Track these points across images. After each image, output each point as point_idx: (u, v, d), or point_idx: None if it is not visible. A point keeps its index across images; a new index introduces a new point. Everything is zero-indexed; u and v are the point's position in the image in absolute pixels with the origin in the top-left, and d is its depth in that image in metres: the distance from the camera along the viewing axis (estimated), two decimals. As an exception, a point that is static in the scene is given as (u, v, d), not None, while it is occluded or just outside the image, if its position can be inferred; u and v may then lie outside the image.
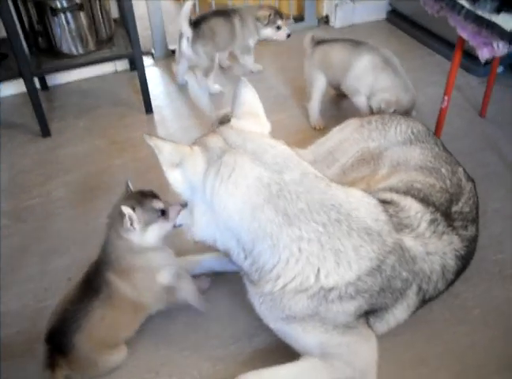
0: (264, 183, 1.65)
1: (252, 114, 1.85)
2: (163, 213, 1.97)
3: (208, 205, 1.71)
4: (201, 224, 1.78)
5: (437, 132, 2.96)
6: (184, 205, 1.91)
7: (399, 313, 1.95)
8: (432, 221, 1.99)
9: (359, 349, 1.87)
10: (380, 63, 3.11)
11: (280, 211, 1.66)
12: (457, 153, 2.49)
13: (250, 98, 1.87)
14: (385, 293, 1.82)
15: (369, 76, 3.12)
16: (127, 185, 2.07)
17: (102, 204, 2.86)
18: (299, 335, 1.83)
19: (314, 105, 3.43)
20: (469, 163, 2.73)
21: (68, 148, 3.39)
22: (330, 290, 1.73)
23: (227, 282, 2.34)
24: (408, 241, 1.89)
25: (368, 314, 1.87)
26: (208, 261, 2.41)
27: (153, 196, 1.99)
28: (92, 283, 1.99)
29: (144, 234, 1.94)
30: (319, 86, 3.38)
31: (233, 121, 1.83)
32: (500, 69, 3.73)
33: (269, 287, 1.76)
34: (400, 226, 1.91)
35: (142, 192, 2.01)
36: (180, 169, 1.74)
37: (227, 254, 1.84)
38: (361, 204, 1.84)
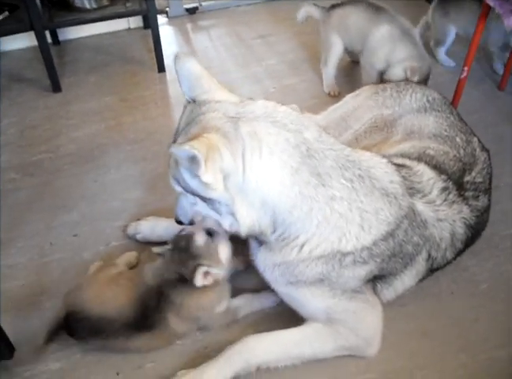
0: (293, 145, 1.57)
1: (216, 84, 1.70)
2: (211, 234, 1.83)
3: (243, 189, 1.56)
4: (244, 215, 1.61)
5: (454, 103, 2.90)
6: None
7: (407, 280, 1.94)
8: (444, 189, 1.97)
9: (365, 316, 1.87)
10: (398, 34, 3.02)
11: (313, 171, 1.60)
12: (473, 126, 2.43)
13: (201, 70, 1.71)
14: (396, 258, 1.82)
15: (385, 46, 3.04)
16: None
17: (111, 161, 2.85)
18: (307, 299, 1.81)
19: (330, 70, 3.36)
20: (484, 137, 2.66)
21: (78, 104, 3.35)
22: (347, 254, 1.71)
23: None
24: (420, 205, 1.87)
25: (376, 280, 1.86)
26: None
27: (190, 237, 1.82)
28: (148, 319, 1.85)
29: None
30: (335, 51, 3.30)
31: (208, 96, 1.64)
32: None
33: (292, 255, 1.72)
34: (412, 190, 1.89)
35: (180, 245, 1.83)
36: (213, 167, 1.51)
37: (250, 235, 1.73)
38: (375, 163, 1.82)
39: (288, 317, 1.92)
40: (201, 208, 1.68)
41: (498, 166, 2.58)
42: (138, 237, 2.36)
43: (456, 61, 3.51)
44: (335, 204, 1.65)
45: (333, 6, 3.28)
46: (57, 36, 3.94)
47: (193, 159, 1.44)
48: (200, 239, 1.72)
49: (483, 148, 2.26)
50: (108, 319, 1.82)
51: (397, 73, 3.02)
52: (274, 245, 1.74)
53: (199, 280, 1.72)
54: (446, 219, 1.92)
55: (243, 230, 1.65)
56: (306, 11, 3.38)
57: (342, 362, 1.88)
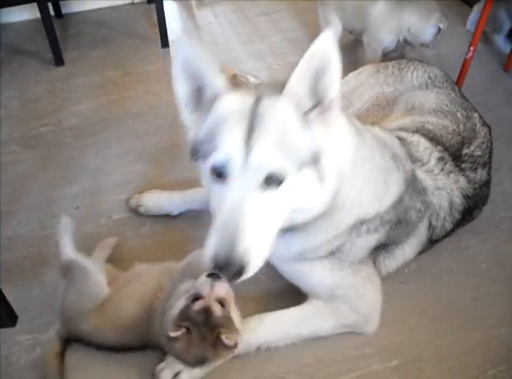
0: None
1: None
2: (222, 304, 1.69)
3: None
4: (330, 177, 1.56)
5: (459, 83, 2.89)
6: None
7: (408, 250, 1.97)
8: (440, 159, 2.00)
9: (366, 293, 1.88)
10: (394, 3, 3.03)
11: (361, 133, 1.69)
12: (477, 107, 2.43)
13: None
14: (402, 225, 1.85)
15: (391, 19, 3.05)
16: None
17: (112, 135, 2.85)
18: (316, 273, 1.81)
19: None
20: (488, 119, 2.65)
21: (81, 77, 3.34)
22: (364, 223, 1.74)
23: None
24: (420, 173, 1.92)
25: (380, 250, 1.88)
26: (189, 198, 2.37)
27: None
28: None
29: None
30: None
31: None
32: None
33: (333, 232, 1.71)
34: (411, 158, 1.93)
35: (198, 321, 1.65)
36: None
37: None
38: (383, 132, 1.89)
39: (288, 295, 1.94)
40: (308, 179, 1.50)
41: (500, 148, 2.59)
42: (141, 209, 2.37)
43: (461, 41, 3.48)
44: (371, 164, 1.72)
45: None
46: (60, 9, 3.91)
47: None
48: (217, 310, 1.64)
49: (484, 124, 2.27)
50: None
51: (426, 33, 3.07)
52: (321, 223, 1.69)
53: (230, 343, 1.63)
54: (444, 187, 1.96)
55: (329, 196, 1.60)
56: None
57: (340, 337, 1.89)
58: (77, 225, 2.28)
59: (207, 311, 1.63)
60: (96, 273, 1.88)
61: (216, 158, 1.41)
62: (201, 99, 1.51)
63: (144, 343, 1.80)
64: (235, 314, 1.70)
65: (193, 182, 2.42)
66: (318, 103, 1.45)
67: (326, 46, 1.36)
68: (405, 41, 3.18)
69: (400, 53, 3.30)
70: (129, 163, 2.67)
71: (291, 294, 1.93)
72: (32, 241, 2.28)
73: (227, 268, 1.37)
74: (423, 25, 3.03)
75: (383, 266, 1.97)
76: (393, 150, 1.85)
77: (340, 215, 1.70)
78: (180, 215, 2.35)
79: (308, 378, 1.81)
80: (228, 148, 1.39)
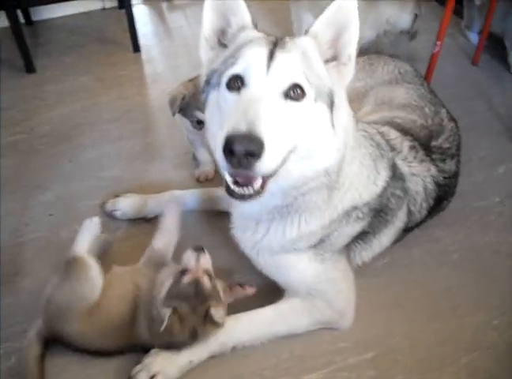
0: None
1: None
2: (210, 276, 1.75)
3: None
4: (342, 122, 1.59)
5: (427, 77, 2.93)
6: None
7: (385, 239, 2.00)
8: (412, 147, 2.05)
9: (343, 288, 1.91)
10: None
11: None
12: (447, 101, 2.48)
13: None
14: (383, 213, 1.90)
15: (369, 15, 3.09)
16: None
17: (86, 141, 2.85)
18: (297, 266, 1.83)
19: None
20: (459, 111, 2.70)
21: (53, 84, 3.33)
22: (354, 210, 1.78)
23: (210, 218, 2.35)
24: (397, 160, 1.97)
25: (357, 240, 1.91)
26: (191, 197, 2.38)
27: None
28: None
29: None
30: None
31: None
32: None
33: (333, 215, 1.75)
34: (388, 146, 1.98)
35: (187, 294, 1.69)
36: None
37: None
38: (364, 124, 1.94)
39: (264, 294, 1.95)
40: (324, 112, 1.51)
41: (471, 139, 2.64)
42: (117, 213, 2.37)
43: (430, 37, 3.52)
44: (363, 149, 1.80)
45: None
46: (30, 16, 3.89)
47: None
48: (206, 281, 1.68)
49: (451, 119, 2.31)
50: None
51: (404, 21, 3.18)
52: (319, 206, 1.71)
53: (218, 317, 1.68)
54: (418, 174, 2.01)
55: (339, 154, 1.60)
56: None
57: (316, 332, 1.91)
58: (51, 231, 2.30)
59: (197, 283, 1.67)
60: (97, 276, 1.87)
61: (237, 67, 1.45)
62: (223, 37, 1.60)
63: (126, 345, 1.80)
64: (221, 288, 1.76)
65: (167, 185, 2.46)
66: (335, 56, 1.54)
67: (350, 6, 1.48)
68: (384, 33, 3.23)
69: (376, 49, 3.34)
70: (104, 168, 2.66)
71: (268, 293, 1.94)
72: (6, 249, 2.27)
73: (246, 140, 1.26)
74: (401, 14, 3.11)
75: (359, 257, 2.00)
76: (376, 139, 1.90)
77: (338, 195, 1.73)
78: (155, 218, 2.35)
79: (285, 374, 1.82)
80: (252, 57, 1.44)
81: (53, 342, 1.85)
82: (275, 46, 1.45)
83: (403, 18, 3.13)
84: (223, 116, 1.42)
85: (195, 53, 3.45)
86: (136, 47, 3.59)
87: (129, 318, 1.77)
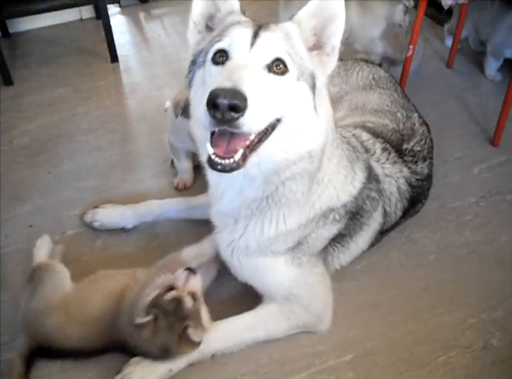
0: None
1: None
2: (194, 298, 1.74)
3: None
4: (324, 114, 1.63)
5: (402, 81, 2.97)
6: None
7: (361, 242, 2.03)
8: (384, 149, 2.08)
9: (320, 292, 1.93)
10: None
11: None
12: (423, 103, 2.52)
13: None
14: (358, 215, 1.92)
15: (369, 13, 3.14)
16: None
17: (64, 152, 2.85)
18: (275, 270, 1.83)
19: None
20: (434, 113, 2.76)
21: (31, 96, 3.33)
22: (331, 211, 1.81)
23: (189, 227, 2.36)
24: (371, 161, 2.00)
25: (334, 244, 1.93)
26: (169, 206, 2.39)
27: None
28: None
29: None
30: None
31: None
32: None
33: (311, 214, 1.77)
34: (363, 149, 2.01)
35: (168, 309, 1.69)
36: None
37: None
38: (339, 129, 1.95)
39: (242, 301, 1.98)
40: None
41: (446, 140, 2.68)
42: (96, 224, 2.37)
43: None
44: (340, 150, 1.81)
45: None
46: (7, 28, 3.88)
47: None
48: (188, 302, 1.70)
49: (423, 123, 2.35)
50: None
51: (397, 13, 3.16)
52: (300, 200, 1.72)
53: (196, 337, 1.69)
54: (391, 175, 2.05)
55: (322, 137, 1.63)
56: None
57: (295, 336, 1.92)
58: (30, 243, 2.29)
59: (178, 301, 1.68)
60: (61, 269, 1.98)
61: (223, 42, 1.49)
62: (211, 22, 1.66)
63: (106, 343, 1.81)
64: (203, 312, 1.76)
65: (146, 194, 2.47)
66: (319, 46, 1.59)
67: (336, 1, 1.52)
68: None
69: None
70: (82, 179, 2.66)
71: (246, 300, 1.96)
72: (-15, 261, 2.26)
73: (230, 93, 1.28)
74: (393, 8, 3.12)
75: (337, 260, 2.01)
76: (351, 142, 1.94)
77: (317, 190, 1.75)
78: (134, 228, 2.37)
79: (265, 378, 1.83)
80: (237, 34, 1.49)
81: (35, 357, 1.85)
82: (259, 28, 1.50)
83: (396, 12, 3.14)
84: (207, 90, 1.39)
85: (173, 62, 3.55)
86: (113, 57, 3.60)
87: (112, 313, 1.79)
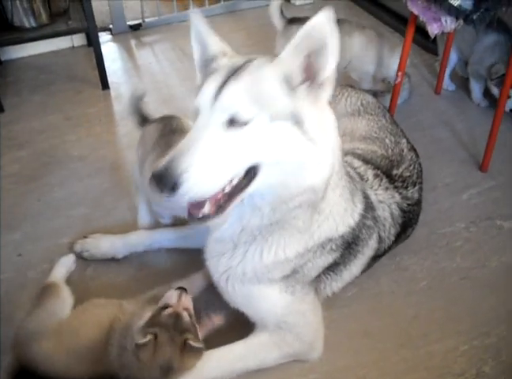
0: None
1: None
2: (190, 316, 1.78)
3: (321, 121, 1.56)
4: (327, 148, 1.57)
5: (391, 107, 3.00)
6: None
7: (355, 269, 2.01)
8: (376, 175, 2.09)
9: (312, 320, 1.92)
10: (373, 36, 3.19)
11: None
12: (412, 129, 2.54)
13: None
14: (353, 244, 1.91)
15: (370, 50, 3.18)
16: None
17: (55, 180, 2.84)
18: (268, 297, 1.82)
19: None
20: (423, 139, 2.78)
21: (22, 123, 3.33)
22: (329, 241, 1.80)
23: (181, 256, 2.35)
24: (366, 189, 2.00)
25: (328, 272, 1.92)
26: (159, 236, 2.38)
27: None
28: None
29: None
30: None
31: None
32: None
33: (310, 243, 1.76)
34: (359, 178, 2.01)
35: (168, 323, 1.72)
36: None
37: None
38: None
39: (234, 329, 1.96)
40: (294, 136, 1.49)
41: (435, 166, 2.70)
42: (85, 255, 2.35)
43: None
44: (344, 181, 1.79)
45: (292, 21, 3.20)
46: (-2, 56, 3.90)
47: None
48: (186, 316, 1.73)
49: (412, 148, 2.36)
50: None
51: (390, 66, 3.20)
52: (301, 228, 1.71)
53: (197, 345, 1.69)
54: (384, 201, 2.05)
55: (322, 175, 1.60)
56: (275, 9, 3.24)
57: (286, 365, 1.91)
58: (19, 272, 2.29)
59: (177, 315, 1.70)
60: (67, 295, 2.02)
61: (196, 99, 1.50)
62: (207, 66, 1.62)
63: (94, 375, 1.77)
64: (200, 329, 1.78)
65: (136, 222, 2.45)
66: (310, 78, 1.48)
67: (323, 26, 1.39)
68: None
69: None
70: (72, 207, 2.65)
71: (237, 329, 1.94)
72: (-26, 290, 2.24)
73: (163, 176, 1.37)
74: (390, 57, 3.18)
75: (329, 288, 2.00)
76: (348, 171, 1.92)
77: (318, 220, 1.73)
78: (125, 258, 2.35)
79: (256, 408, 1.82)
80: (204, 90, 1.48)
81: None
82: (229, 77, 1.46)
83: (391, 62, 3.21)
84: None
85: (163, 89, 3.57)
86: (104, 85, 3.61)
87: (101, 344, 1.77)
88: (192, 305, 1.80)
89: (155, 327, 1.67)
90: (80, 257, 2.35)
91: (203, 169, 1.39)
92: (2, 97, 3.44)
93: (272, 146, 1.47)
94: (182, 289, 1.82)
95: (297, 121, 1.47)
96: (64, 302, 1.98)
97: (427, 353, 1.97)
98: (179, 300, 1.77)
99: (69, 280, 2.22)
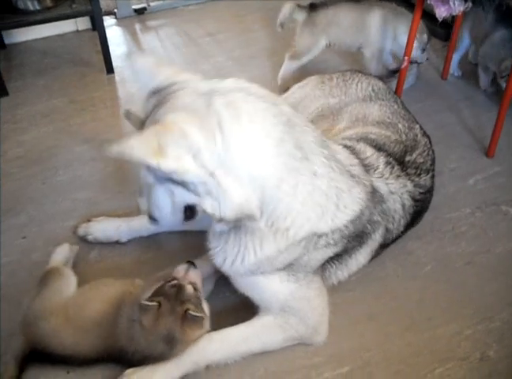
0: (273, 114, 1.55)
1: (178, 69, 1.67)
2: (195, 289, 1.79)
3: (226, 163, 1.49)
4: (231, 191, 1.52)
5: (398, 91, 2.98)
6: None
7: (361, 258, 2.01)
8: (388, 163, 2.05)
9: (317, 304, 1.91)
10: (391, 13, 3.15)
11: (297, 143, 1.58)
12: (418, 114, 2.52)
13: (158, 60, 1.71)
14: (358, 237, 1.89)
15: (388, 28, 3.14)
16: None
17: (59, 163, 2.84)
18: (271, 285, 1.82)
19: (295, 66, 3.34)
20: (429, 124, 2.76)
21: (26, 107, 3.31)
22: (321, 236, 1.75)
23: (186, 238, 2.35)
24: (375, 181, 1.95)
25: (332, 261, 1.91)
26: (137, 225, 2.37)
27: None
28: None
29: None
30: (317, 50, 3.28)
31: (173, 79, 1.60)
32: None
33: (283, 242, 1.70)
34: (365, 167, 1.96)
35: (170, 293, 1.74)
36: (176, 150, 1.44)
37: (236, 219, 1.61)
38: (336, 148, 1.89)
39: (238, 312, 1.97)
40: (180, 195, 1.56)
41: (441, 151, 2.68)
42: (89, 238, 2.36)
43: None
44: (317, 181, 1.65)
45: (314, 7, 3.22)
46: (2, 40, 3.88)
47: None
48: (189, 289, 1.74)
49: (425, 134, 2.33)
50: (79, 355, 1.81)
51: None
52: (265, 232, 1.68)
53: (197, 314, 1.70)
54: (395, 191, 2.01)
55: (230, 210, 1.55)
56: (289, 11, 3.23)
57: (291, 348, 1.91)
58: (24, 255, 2.29)
59: (180, 287, 1.73)
60: (70, 275, 2.04)
61: None
62: None
63: (101, 351, 1.80)
64: (205, 305, 1.79)
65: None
66: None
67: None
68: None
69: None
70: (77, 190, 2.65)
71: (241, 311, 1.95)
72: (-22, 273, 2.25)
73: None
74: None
75: (335, 276, 1.99)
76: (351, 168, 1.84)
77: (284, 224, 1.67)
78: (129, 241, 2.36)
79: (260, 391, 1.82)
80: None
81: (29, 361, 1.84)
82: None
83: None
84: None
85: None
86: (109, 69, 3.59)
87: (109, 318, 1.80)
88: (200, 280, 1.83)
89: (159, 296, 1.70)
90: (84, 240, 2.36)
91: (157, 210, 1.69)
92: (6, 81, 3.42)
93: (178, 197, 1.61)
94: (191, 263, 1.85)
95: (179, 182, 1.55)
96: (67, 280, 2.00)
97: (432, 337, 1.97)
98: (186, 274, 1.80)
99: (74, 263, 2.24)
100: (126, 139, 1.39)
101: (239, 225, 1.67)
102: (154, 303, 1.68)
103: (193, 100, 1.50)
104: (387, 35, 3.16)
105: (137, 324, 1.72)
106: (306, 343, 1.93)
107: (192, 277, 1.80)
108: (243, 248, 1.75)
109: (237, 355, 1.86)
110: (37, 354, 1.84)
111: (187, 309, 1.68)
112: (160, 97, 1.57)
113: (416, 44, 3.05)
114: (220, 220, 1.61)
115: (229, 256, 1.80)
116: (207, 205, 1.56)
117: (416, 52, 3.17)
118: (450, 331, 1.99)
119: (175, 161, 1.43)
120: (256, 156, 1.52)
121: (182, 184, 1.52)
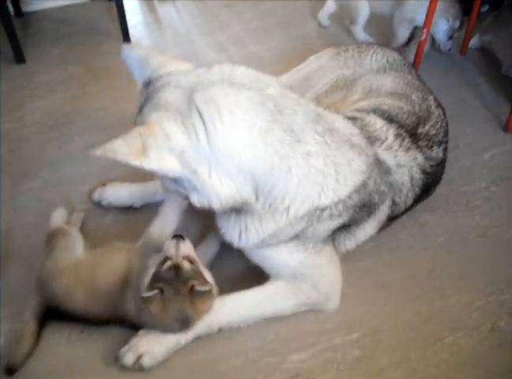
0: (257, 103, 1.53)
1: (167, 57, 1.69)
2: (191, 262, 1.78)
3: (213, 159, 1.52)
4: (218, 185, 1.56)
5: (415, 65, 2.95)
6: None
7: (369, 229, 2.01)
8: (398, 135, 2.03)
9: (329, 271, 1.93)
10: None
11: (286, 128, 1.57)
12: (435, 89, 2.48)
13: (147, 51, 1.74)
14: (365, 208, 1.87)
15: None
16: None
17: (75, 129, 2.85)
18: (281, 255, 1.84)
19: (359, 28, 3.54)
20: (446, 99, 2.71)
21: (42, 74, 3.32)
22: (324, 209, 1.74)
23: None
24: (381, 153, 1.94)
25: (340, 230, 1.91)
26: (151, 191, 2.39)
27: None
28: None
29: None
30: (364, 15, 3.47)
31: (161, 71, 1.63)
32: (485, 7, 3.69)
33: (283, 220, 1.72)
34: (370, 139, 1.95)
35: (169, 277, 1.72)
36: (160, 149, 1.49)
37: (231, 207, 1.66)
38: (334, 117, 1.86)
39: (250, 278, 1.97)
40: (172, 186, 1.68)
41: (458, 126, 2.66)
42: (104, 203, 2.38)
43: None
44: (312, 160, 1.64)
45: None
46: (20, 8, 3.88)
47: None
48: (186, 265, 1.72)
49: (439, 105, 2.31)
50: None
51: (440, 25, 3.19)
52: (263, 213, 1.71)
53: (203, 288, 1.70)
54: (404, 165, 1.99)
55: (217, 203, 1.60)
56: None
57: (302, 314, 1.93)
58: (40, 217, 2.31)
59: (176, 267, 1.70)
60: (77, 234, 2.08)
61: None
62: None
63: (111, 315, 1.82)
64: (206, 273, 1.79)
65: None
66: None
67: None
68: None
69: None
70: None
71: (254, 277, 1.96)
72: (-5, 235, 2.28)
73: None
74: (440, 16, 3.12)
75: (343, 246, 2.01)
76: (347, 138, 1.81)
77: (282, 204, 1.68)
78: (143, 205, 2.37)
79: (270, 354, 1.84)
80: None
81: (47, 319, 1.88)
82: None
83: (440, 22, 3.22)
84: None
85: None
86: (126, 38, 3.58)
87: (117, 291, 1.81)
88: (192, 250, 1.81)
89: (159, 282, 1.68)
90: (99, 204, 2.38)
91: None
92: (23, 48, 3.43)
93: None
94: (179, 236, 1.81)
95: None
96: (72, 238, 2.03)
97: (442, 306, 1.98)
98: (177, 249, 1.76)
99: (87, 227, 2.27)
100: (111, 141, 1.51)
101: (237, 208, 1.69)
102: (155, 291, 1.66)
103: (175, 97, 1.53)
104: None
105: (146, 314, 1.72)
106: (318, 310, 1.94)
107: (184, 251, 1.76)
108: (244, 228, 1.78)
109: (250, 318, 1.88)
110: (53, 313, 1.87)
111: (193, 286, 1.68)
112: (147, 93, 1.60)
113: (445, 26, 3.03)
114: (211, 209, 1.66)
115: (233, 234, 1.83)
116: (194, 199, 1.64)
117: (442, 35, 3.16)
118: (461, 301, 2.00)
119: (157, 162, 1.49)
120: (242, 150, 1.53)
121: (170, 179, 1.61)
